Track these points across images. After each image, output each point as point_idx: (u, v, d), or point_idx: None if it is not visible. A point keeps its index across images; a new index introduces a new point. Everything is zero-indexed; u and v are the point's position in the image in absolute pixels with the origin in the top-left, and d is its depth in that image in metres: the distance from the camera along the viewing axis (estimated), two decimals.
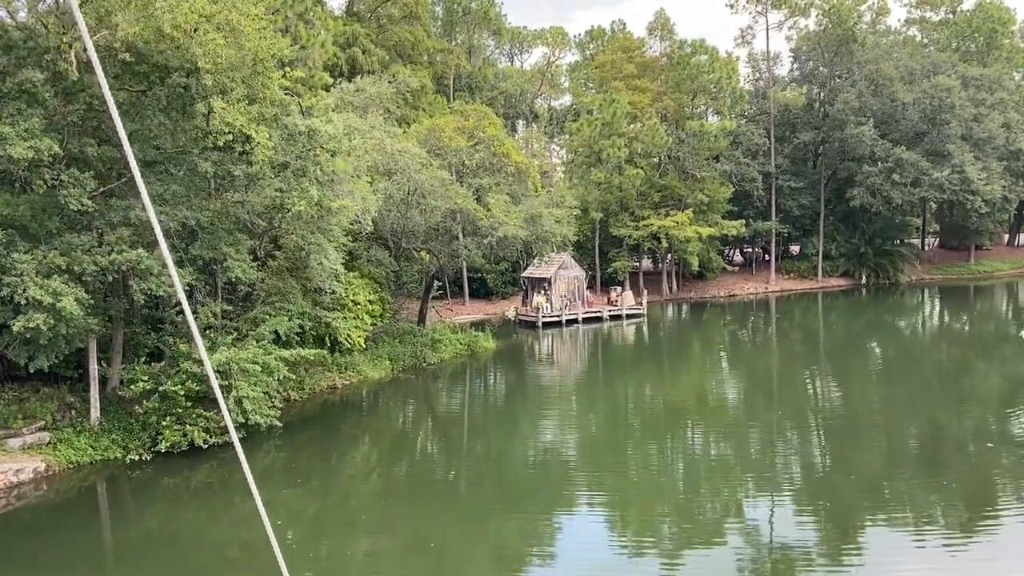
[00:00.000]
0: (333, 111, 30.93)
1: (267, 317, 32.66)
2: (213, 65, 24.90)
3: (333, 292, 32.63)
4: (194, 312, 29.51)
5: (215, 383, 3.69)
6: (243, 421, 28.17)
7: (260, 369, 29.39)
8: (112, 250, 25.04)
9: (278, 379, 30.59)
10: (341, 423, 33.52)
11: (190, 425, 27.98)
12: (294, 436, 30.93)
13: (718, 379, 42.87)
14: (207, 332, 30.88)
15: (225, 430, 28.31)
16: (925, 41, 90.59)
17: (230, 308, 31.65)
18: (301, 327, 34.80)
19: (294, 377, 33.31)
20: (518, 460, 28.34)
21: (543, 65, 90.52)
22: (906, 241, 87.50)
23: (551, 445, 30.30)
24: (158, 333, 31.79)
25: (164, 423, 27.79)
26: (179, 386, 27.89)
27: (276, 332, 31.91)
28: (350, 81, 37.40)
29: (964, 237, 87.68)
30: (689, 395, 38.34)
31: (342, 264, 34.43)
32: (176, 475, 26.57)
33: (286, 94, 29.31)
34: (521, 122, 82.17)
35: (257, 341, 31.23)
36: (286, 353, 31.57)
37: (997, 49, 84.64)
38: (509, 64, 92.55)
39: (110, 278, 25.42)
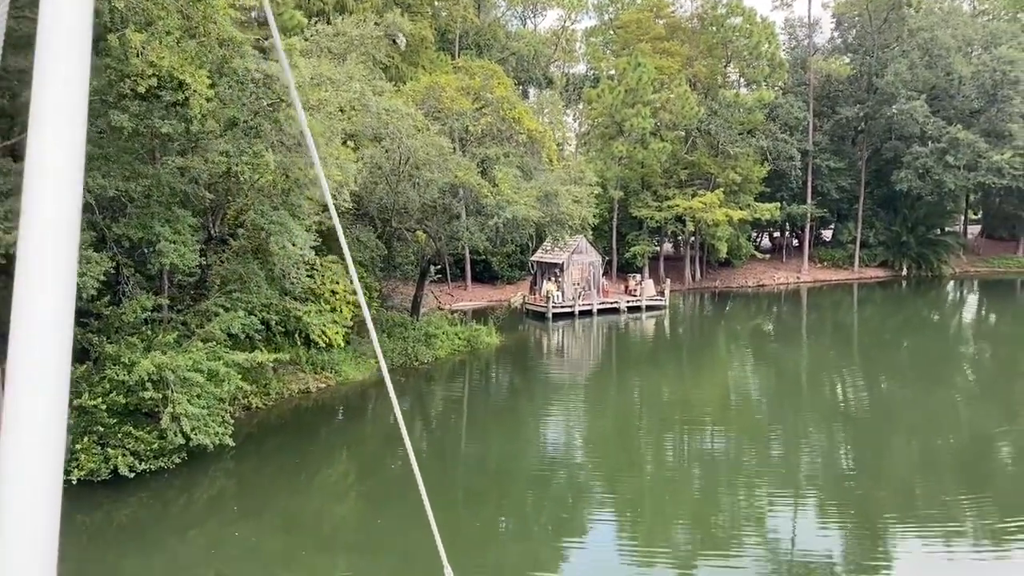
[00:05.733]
0: (302, 55, 24.55)
1: (220, 311, 26.66)
2: None
3: (298, 282, 26.43)
4: (118, 305, 23.42)
5: (373, 334, 3.22)
6: (183, 442, 22.57)
7: (205, 378, 23.60)
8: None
9: (230, 388, 24.68)
10: (314, 435, 28.08)
11: (113, 448, 22.14)
12: (255, 452, 25.48)
13: (745, 382, 37.78)
14: (142, 328, 24.90)
15: (159, 454, 22.75)
16: (976, 11, 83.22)
17: (166, 301, 25.49)
18: (264, 322, 28.81)
19: (250, 388, 27.30)
20: (522, 474, 24.17)
21: (559, 29, 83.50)
22: (948, 230, 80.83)
23: (559, 457, 26.28)
24: (83, 328, 25.70)
25: (80, 445, 21.92)
26: (100, 399, 21.99)
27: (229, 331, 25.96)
28: (330, 24, 31.00)
29: (1013, 227, 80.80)
30: (715, 402, 33.35)
31: (316, 246, 28.22)
32: (95, 510, 21.06)
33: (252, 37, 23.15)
34: (533, 89, 75.27)
35: (204, 341, 25.31)
36: (240, 357, 25.47)
37: None
38: (522, 27, 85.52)
39: None
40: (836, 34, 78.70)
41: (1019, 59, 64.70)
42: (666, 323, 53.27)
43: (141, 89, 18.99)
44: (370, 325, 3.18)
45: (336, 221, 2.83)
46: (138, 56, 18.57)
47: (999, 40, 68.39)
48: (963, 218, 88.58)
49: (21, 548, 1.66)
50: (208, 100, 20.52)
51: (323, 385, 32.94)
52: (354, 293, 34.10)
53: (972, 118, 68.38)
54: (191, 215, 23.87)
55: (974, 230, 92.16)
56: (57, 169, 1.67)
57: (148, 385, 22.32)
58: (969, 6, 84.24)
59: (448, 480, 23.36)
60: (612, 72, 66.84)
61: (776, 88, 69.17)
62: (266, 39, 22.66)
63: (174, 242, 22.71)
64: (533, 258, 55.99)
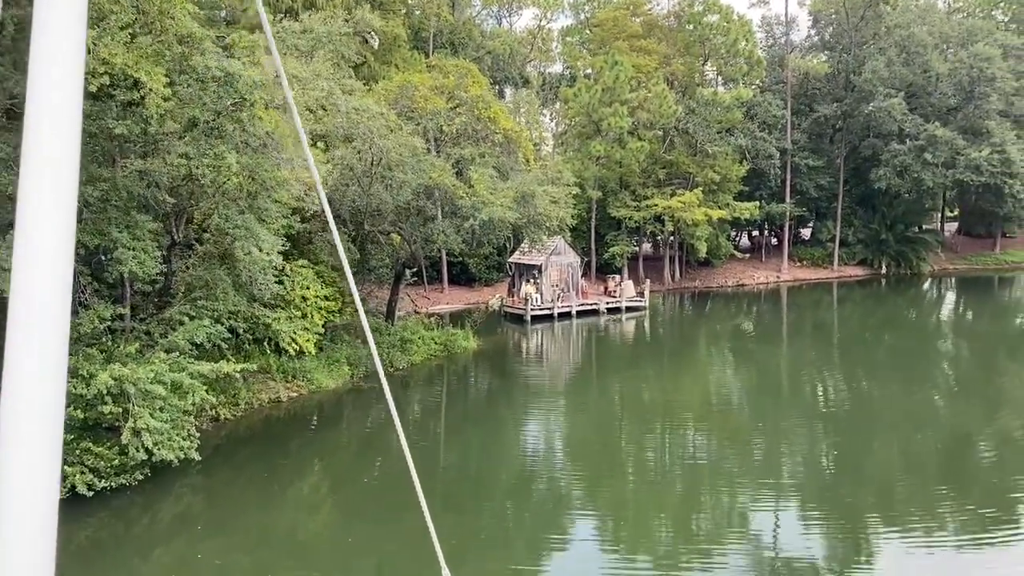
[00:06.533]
0: (267, 52, 23.54)
1: (185, 319, 25.63)
2: None
3: (266, 288, 25.36)
4: (75, 315, 22.32)
5: (370, 338, 3.34)
6: (146, 457, 21.60)
7: (168, 390, 22.60)
8: None
9: (195, 400, 23.64)
10: (285, 446, 27.06)
11: (71, 465, 21.08)
12: (223, 466, 24.53)
13: (726, 384, 37.39)
14: (102, 339, 23.85)
15: (120, 470, 21.77)
16: (951, 8, 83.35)
17: (127, 310, 24.37)
18: (232, 330, 27.78)
19: (217, 399, 26.26)
20: (502, 482, 23.67)
21: (535, 28, 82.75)
22: (927, 227, 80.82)
23: (539, 463, 25.99)
24: None
25: None
26: None
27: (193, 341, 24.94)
28: (297, 20, 29.87)
29: (990, 224, 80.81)
30: (696, 404, 32.91)
31: (284, 251, 27.17)
32: None
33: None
34: (509, 89, 74.33)
35: (168, 351, 24.29)
36: (206, 367, 24.43)
37: None
38: (497, 26, 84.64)
39: None
40: (813, 32, 78.46)
41: (995, 56, 64.63)
42: (646, 324, 52.62)
43: (92, 88, 17.95)
44: (368, 333, 3.21)
45: (333, 227, 2.82)
46: (89, 52, 17.53)
47: (975, 37, 68.34)
48: (940, 215, 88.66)
49: (20, 548, 1.65)
50: (166, 99, 19.52)
51: (295, 394, 31.91)
52: (326, 299, 33.17)
53: (949, 115, 68.25)
54: (151, 220, 22.81)
55: (950, 227, 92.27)
56: (54, 159, 1.67)
57: (107, 399, 21.35)
58: (944, 3, 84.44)
59: (427, 488, 22.54)
60: (589, 71, 66.14)
61: (754, 86, 68.78)
62: (227, 36, 21.66)
63: (133, 249, 21.69)
64: (511, 260, 55.14)
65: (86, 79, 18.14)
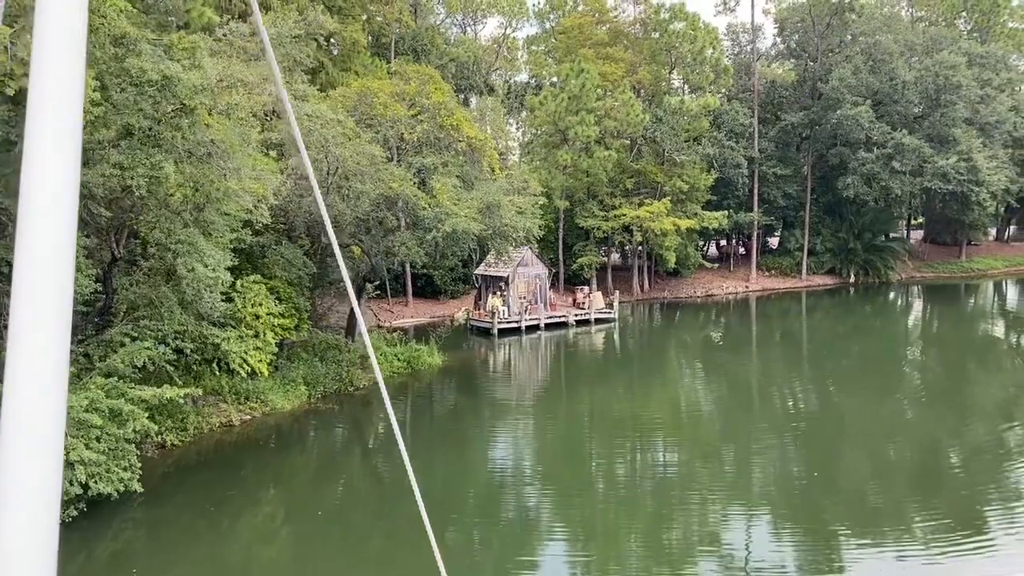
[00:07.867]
0: (211, 56, 21.98)
1: (126, 340, 23.99)
2: None
3: (213, 306, 23.71)
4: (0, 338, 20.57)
5: (373, 357, 3.45)
6: (81, 492, 20.03)
7: (106, 418, 20.98)
8: None
9: (137, 428, 21.96)
10: (236, 474, 25.51)
11: None
12: (169, 497, 22.86)
13: (696, 396, 36.76)
14: None
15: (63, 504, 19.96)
16: (913, 17, 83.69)
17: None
18: (179, 350, 26.13)
19: (162, 425, 24.55)
20: (468, 503, 22.85)
21: (499, 36, 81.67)
22: (894, 235, 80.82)
23: (507, 483, 24.79)
24: None
25: None
26: None
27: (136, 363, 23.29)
28: (246, 21, 28.18)
29: (955, 232, 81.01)
30: (666, 417, 32.17)
31: (234, 265, 25.53)
32: None
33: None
34: (475, 98, 73.06)
35: (107, 376, 22.63)
36: (147, 393, 22.75)
37: (998, 26, 77.68)
38: (462, 34, 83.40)
39: None
40: (779, 39, 78.18)
41: (959, 64, 64.68)
42: (616, 336, 51.53)
43: (10, 91, 16.32)
44: (369, 347, 3.26)
45: (333, 237, 2.85)
46: (6, 52, 15.93)
47: (939, 45, 68.51)
48: (906, 223, 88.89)
49: (23, 549, 1.64)
50: (96, 104, 17.92)
51: (248, 417, 30.26)
52: (281, 316, 31.52)
53: (916, 123, 68.25)
54: (84, 235, 21.13)
55: (916, 235, 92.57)
56: (54, 158, 1.69)
57: None
58: (907, 13, 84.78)
59: (388, 512, 21.60)
60: (555, 79, 65.17)
61: (721, 94, 68.19)
62: (161, 39, 20.11)
63: None
64: (477, 271, 53.73)
65: (3, 81, 16.54)
